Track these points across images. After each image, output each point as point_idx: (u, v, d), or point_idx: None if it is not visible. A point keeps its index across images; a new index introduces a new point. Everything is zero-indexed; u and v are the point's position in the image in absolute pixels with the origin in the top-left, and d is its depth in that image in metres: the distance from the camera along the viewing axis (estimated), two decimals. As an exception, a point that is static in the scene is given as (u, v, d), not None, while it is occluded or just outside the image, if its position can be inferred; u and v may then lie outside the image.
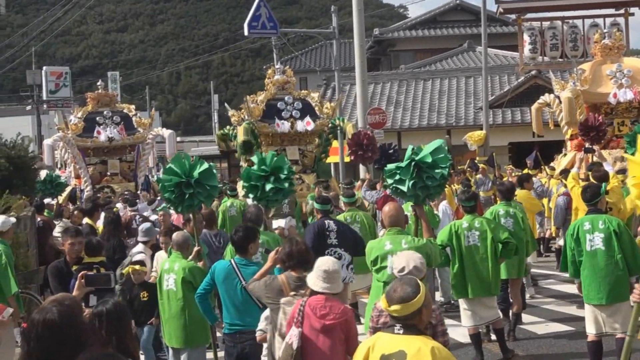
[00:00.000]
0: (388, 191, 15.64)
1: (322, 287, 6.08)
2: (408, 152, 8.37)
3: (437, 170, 8.15)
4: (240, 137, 18.77)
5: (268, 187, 9.63)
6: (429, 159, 8.13)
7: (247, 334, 7.46)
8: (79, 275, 6.19)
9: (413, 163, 8.17)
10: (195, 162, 9.03)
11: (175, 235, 8.83)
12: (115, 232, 12.70)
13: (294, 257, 6.73)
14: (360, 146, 18.28)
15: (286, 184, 9.88)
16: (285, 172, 9.86)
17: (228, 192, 17.90)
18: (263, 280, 6.83)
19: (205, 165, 8.99)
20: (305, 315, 6.02)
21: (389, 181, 8.50)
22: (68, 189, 21.93)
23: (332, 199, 12.41)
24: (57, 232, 13.76)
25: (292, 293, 6.43)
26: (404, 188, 8.19)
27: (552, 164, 20.67)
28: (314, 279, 6.12)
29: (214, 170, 9.20)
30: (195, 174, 8.87)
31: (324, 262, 6.20)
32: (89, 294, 6.16)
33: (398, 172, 8.27)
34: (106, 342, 4.72)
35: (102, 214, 14.51)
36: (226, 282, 7.61)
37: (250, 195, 10.01)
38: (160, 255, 10.02)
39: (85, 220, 13.86)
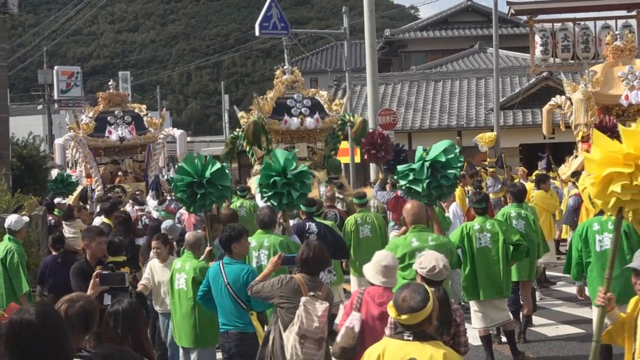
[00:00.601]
0: (399, 192, 15.72)
1: (382, 281, 6.36)
2: (419, 153, 8.38)
3: (450, 170, 8.18)
4: (248, 137, 18.90)
5: (295, 195, 9.40)
6: (443, 158, 8.15)
7: (232, 335, 7.64)
8: (94, 274, 6.27)
9: (427, 163, 8.18)
10: (208, 161, 9.06)
11: (187, 235, 8.86)
12: (126, 232, 12.72)
13: (310, 263, 6.84)
14: (374, 145, 18.32)
15: (309, 187, 9.84)
16: (308, 177, 9.78)
17: (238, 192, 17.94)
18: (277, 280, 6.90)
19: (218, 165, 9.02)
20: (363, 302, 6.28)
21: (402, 182, 8.51)
22: (79, 189, 22.01)
23: (318, 202, 12.42)
24: (68, 232, 13.78)
25: (311, 293, 6.55)
26: (419, 188, 8.22)
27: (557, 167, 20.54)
28: (374, 273, 6.39)
29: (227, 171, 9.22)
30: (207, 173, 8.89)
31: (383, 258, 6.51)
32: (104, 293, 6.23)
33: (411, 172, 8.28)
34: (122, 341, 4.80)
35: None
36: (215, 282, 7.73)
37: (273, 203, 9.63)
38: (153, 263, 9.70)
39: (103, 219, 13.86)
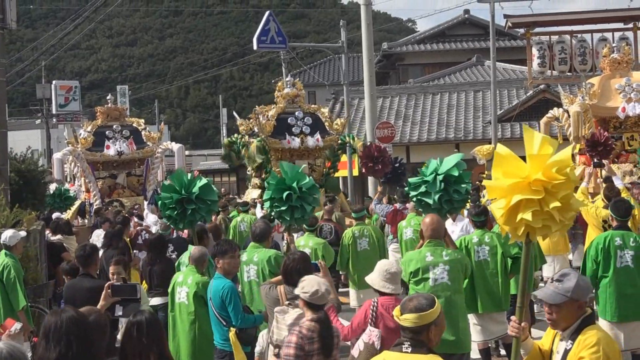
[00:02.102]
0: (398, 205, 15.73)
1: (391, 288, 6.42)
2: (432, 166, 8.38)
3: (462, 185, 8.19)
4: (256, 160, 18.95)
5: (309, 209, 9.33)
6: (456, 172, 8.17)
7: (216, 352, 7.74)
8: (106, 285, 6.30)
9: (440, 176, 8.19)
10: (193, 177, 9.17)
11: (193, 250, 8.84)
12: (116, 244, 12.58)
13: (289, 273, 6.89)
14: (371, 158, 18.34)
15: (318, 202, 9.81)
16: (317, 191, 9.73)
17: (240, 207, 18.01)
18: (263, 290, 6.98)
19: (204, 181, 9.13)
20: (379, 315, 6.30)
21: (413, 193, 8.52)
22: (77, 203, 21.99)
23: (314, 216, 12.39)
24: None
25: (287, 302, 6.58)
26: (430, 201, 8.23)
27: None
28: (382, 282, 6.46)
29: (212, 185, 9.33)
30: (196, 189, 8.96)
31: (386, 265, 6.65)
32: (115, 304, 6.25)
33: (424, 184, 8.29)
34: (146, 351, 4.90)
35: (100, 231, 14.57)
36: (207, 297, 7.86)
37: (285, 217, 9.44)
38: None
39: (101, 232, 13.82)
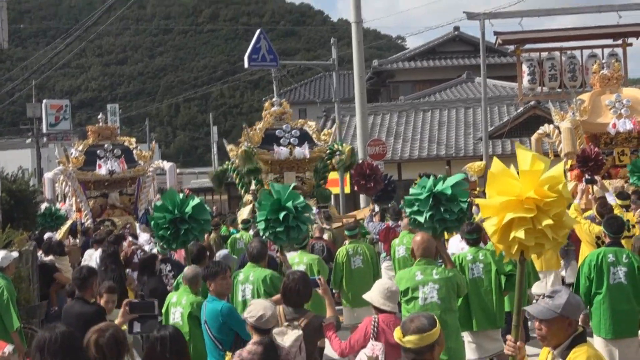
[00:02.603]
0: (390, 223, 15.72)
1: (390, 307, 6.44)
2: (430, 182, 8.35)
3: (455, 204, 8.14)
4: (246, 166, 18.89)
5: (304, 228, 9.38)
6: (449, 192, 8.13)
7: None
8: (124, 302, 6.36)
9: (432, 195, 8.16)
10: (185, 197, 9.14)
11: (186, 270, 8.80)
12: (115, 265, 12.56)
13: (287, 293, 6.86)
14: (363, 176, 18.34)
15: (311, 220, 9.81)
16: (310, 209, 9.73)
17: (241, 225, 18.00)
18: None
19: (197, 200, 9.11)
20: (380, 330, 6.31)
21: (408, 210, 8.49)
22: (68, 223, 21.89)
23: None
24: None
25: (286, 324, 6.55)
26: (421, 219, 8.19)
27: None
28: (382, 300, 6.47)
29: (205, 205, 9.30)
30: (189, 209, 8.94)
31: (387, 283, 6.73)
32: (133, 321, 6.28)
33: (417, 202, 8.26)
34: None
35: (99, 250, 14.50)
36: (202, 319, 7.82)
37: (281, 237, 9.43)
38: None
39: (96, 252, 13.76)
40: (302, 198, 9.27)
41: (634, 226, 12.01)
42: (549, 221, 4.79)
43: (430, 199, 8.16)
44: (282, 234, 9.13)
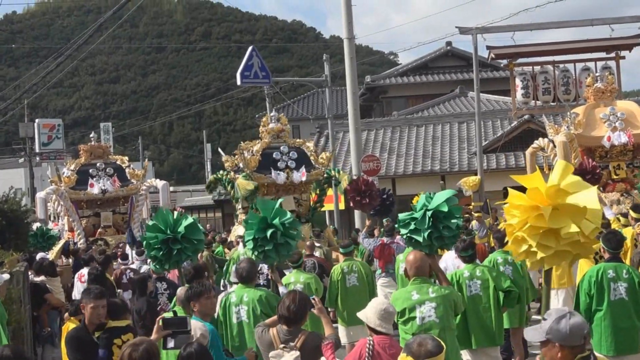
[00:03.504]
0: (385, 239, 15.59)
1: (386, 328, 6.21)
2: (421, 200, 8.23)
3: (453, 220, 8.04)
4: (248, 187, 18.74)
5: (293, 244, 9.28)
6: (445, 208, 8.01)
7: None
8: (157, 319, 6.42)
9: (429, 213, 8.03)
10: (179, 217, 8.99)
11: (179, 290, 8.62)
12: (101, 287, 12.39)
13: (282, 314, 6.69)
14: (358, 192, 18.22)
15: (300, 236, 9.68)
16: (298, 225, 9.61)
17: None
18: (256, 332, 6.82)
19: (190, 220, 8.97)
20: (375, 353, 6.11)
21: (403, 231, 8.34)
22: (61, 242, 21.73)
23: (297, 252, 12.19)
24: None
25: (282, 346, 6.42)
26: (419, 238, 8.05)
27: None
28: (377, 320, 6.21)
29: (198, 224, 9.16)
30: (182, 228, 8.80)
31: (384, 303, 6.38)
32: (167, 337, 6.30)
33: (413, 222, 8.12)
34: None
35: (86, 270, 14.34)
36: None
37: (271, 256, 9.36)
38: None
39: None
40: (289, 214, 9.14)
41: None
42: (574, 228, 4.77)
43: (428, 217, 8.03)
44: (271, 252, 9.00)
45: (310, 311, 6.93)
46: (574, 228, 4.89)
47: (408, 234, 8.21)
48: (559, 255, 4.98)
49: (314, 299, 7.04)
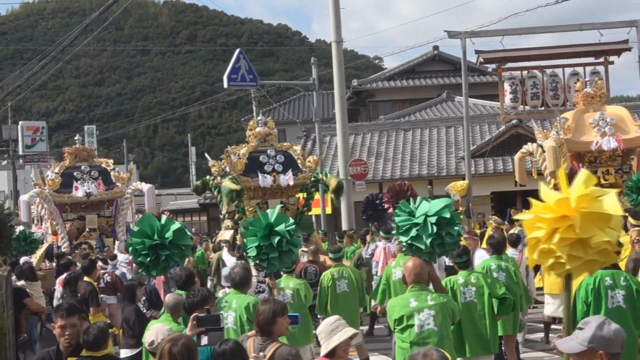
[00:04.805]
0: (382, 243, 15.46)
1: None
2: (422, 207, 8.02)
3: (455, 227, 7.87)
4: (231, 186, 18.54)
5: (296, 252, 9.23)
6: (448, 215, 7.83)
7: None
8: (191, 317, 6.49)
9: (433, 219, 7.83)
10: (167, 222, 8.79)
11: (167, 298, 8.40)
12: (74, 293, 12.16)
13: (257, 323, 6.53)
14: (397, 195, 18.11)
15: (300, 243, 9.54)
16: (299, 232, 9.45)
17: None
18: (240, 341, 6.64)
19: (177, 225, 8.78)
20: None
21: (403, 238, 8.11)
22: (45, 246, 21.44)
23: None
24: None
25: (253, 355, 6.26)
26: (422, 245, 7.85)
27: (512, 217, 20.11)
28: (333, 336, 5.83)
29: (185, 229, 9.03)
30: (169, 234, 8.60)
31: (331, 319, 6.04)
32: (200, 335, 6.32)
33: (415, 228, 7.91)
34: None
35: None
36: None
37: (274, 264, 9.17)
38: None
39: (85, 278, 13.35)
40: (291, 220, 8.96)
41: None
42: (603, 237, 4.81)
43: (431, 224, 7.84)
44: (275, 259, 8.80)
45: (291, 327, 6.70)
46: (604, 237, 4.80)
47: (409, 241, 7.99)
48: (587, 264, 4.93)
49: (297, 315, 6.76)
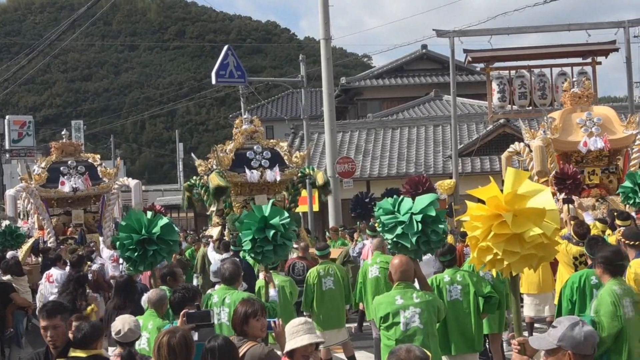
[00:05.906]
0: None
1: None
2: (406, 205, 7.98)
3: (440, 225, 7.88)
4: (215, 183, 18.50)
5: (290, 245, 9.19)
6: (433, 213, 7.83)
7: None
8: (181, 313, 6.64)
9: (417, 217, 7.82)
10: (153, 217, 8.78)
11: (150, 293, 8.39)
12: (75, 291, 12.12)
13: (232, 323, 6.56)
14: (415, 188, 18.13)
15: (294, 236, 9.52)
16: (294, 224, 9.43)
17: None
18: None
19: (165, 220, 8.79)
20: None
21: (388, 235, 8.09)
22: (30, 241, 21.35)
23: None
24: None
25: None
26: (407, 243, 7.84)
27: None
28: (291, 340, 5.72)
29: (173, 224, 9.02)
30: (157, 229, 8.58)
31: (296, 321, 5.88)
32: (191, 331, 6.27)
33: (400, 226, 7.90)
34: None
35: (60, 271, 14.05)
36: None
37: (269, 257, 9.09)
38: None
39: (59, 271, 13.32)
40: (286, 213, 8.95)
41: None
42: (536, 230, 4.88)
43: (417, 222, 7.82)
44: (270, 252, 8.79)
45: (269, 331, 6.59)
46: (537, 230, 4.96)
47: (394, 239, 7.98)
48: (525, 259, 5.07)
49: (274, 322, 6.60)
